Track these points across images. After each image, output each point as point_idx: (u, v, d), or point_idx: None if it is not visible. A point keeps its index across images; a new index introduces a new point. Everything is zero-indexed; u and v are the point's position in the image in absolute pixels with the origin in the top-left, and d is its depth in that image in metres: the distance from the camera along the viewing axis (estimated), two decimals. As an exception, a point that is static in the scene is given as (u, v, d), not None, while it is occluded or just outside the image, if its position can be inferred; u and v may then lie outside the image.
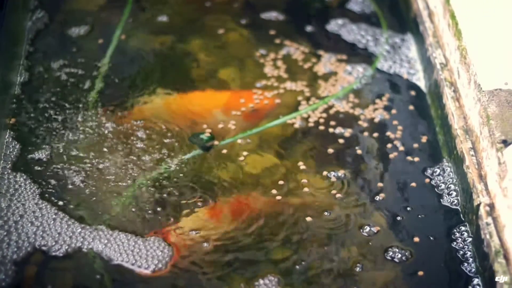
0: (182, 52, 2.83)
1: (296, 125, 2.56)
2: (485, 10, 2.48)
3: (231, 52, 2.85)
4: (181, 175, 2.37)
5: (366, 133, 2.54)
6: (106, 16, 2.95)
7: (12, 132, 2.44)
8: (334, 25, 2.95)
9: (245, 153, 2.45)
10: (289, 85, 2.70)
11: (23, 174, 2.31)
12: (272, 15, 2.99)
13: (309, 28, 2.94)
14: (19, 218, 2.19)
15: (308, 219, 2.26)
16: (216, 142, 2.48)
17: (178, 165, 2.40)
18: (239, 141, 2.49)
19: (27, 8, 2.87)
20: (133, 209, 2.26)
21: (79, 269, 2.11)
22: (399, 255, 2.17)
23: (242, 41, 2.90)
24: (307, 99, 2.65)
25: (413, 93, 2.69)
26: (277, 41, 2.87)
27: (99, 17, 2.95)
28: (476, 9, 2.49)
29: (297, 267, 2.15)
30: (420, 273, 2.14)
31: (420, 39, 2.78)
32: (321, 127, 2.56)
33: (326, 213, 2.28)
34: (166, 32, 2.90)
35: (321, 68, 2.77)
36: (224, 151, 2.46)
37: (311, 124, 2.57)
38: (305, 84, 2.70)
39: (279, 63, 2.78)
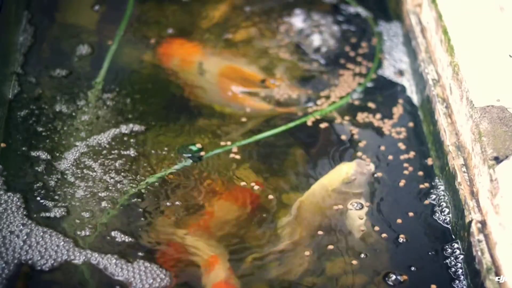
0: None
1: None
2: (478, 26, 2.47)
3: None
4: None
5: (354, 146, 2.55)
6: (101, 30, 2.93)
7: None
8: (321, 38, 2.96)
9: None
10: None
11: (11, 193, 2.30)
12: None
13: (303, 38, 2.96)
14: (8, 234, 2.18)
15: None
16: (203, 153, 2.47)
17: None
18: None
19: (19, 22, 2.84)
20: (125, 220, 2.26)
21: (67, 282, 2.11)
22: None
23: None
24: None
25: (405, 108, 2.69)
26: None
27: (93, 32, 2.93)
28: (469, 25, 2.48)
29: None
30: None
31: (412, 54, 2.78)
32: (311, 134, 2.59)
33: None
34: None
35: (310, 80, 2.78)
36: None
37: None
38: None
39: None
